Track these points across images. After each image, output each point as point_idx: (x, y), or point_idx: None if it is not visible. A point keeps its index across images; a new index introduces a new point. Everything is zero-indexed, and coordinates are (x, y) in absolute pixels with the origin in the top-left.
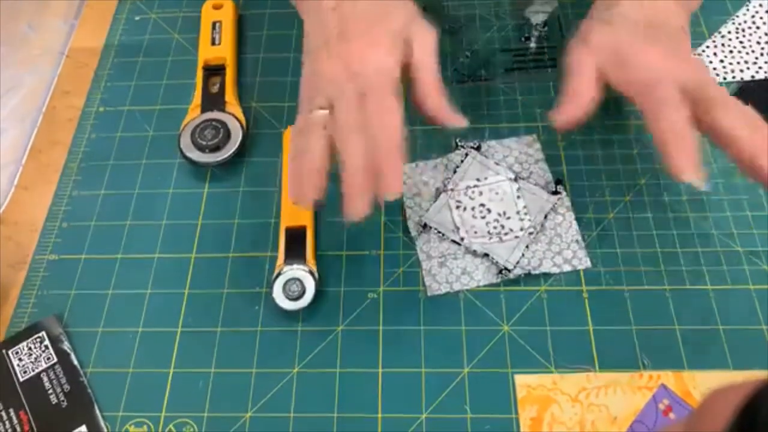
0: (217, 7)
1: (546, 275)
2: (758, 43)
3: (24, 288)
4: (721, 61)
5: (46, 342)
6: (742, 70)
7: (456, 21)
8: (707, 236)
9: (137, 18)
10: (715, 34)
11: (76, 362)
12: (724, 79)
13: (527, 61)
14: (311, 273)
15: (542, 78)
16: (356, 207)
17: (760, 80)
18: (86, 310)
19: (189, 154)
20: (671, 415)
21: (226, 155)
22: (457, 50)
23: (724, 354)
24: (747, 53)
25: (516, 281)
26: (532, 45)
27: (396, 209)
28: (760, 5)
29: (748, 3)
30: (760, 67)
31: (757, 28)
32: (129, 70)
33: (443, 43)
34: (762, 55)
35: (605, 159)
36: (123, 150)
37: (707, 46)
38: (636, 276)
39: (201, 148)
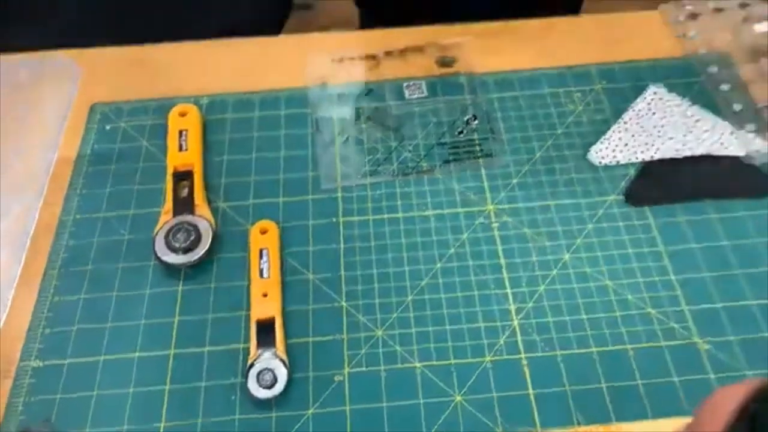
0: (182, 114)
1: (490, 345)
2: (654, 126)
3: (11, 396)
4: (626, 144)
5: None
6: (642, 151)
7: (398, 119)
8: (624, 301)
9: (108, 127)
10: (619, 120)
11: None
12: (629, 160)
13: (462, 152)
14: (282, 361)
15: (475, 167)
16: None
17: (658, 160)
18: (73, 412)
19: (164, 258)
20: None
21: (197, 256)
22: (401, 146)
23: (643, 406)
24: (647, 136)
25: (464, 353)
26: (473, 123)
27: (356, 294)
28: (654, 93)
29: (644, 92)
30: (657, 148)
31: (653, 114)
32: (103, 178)
33: (389, 140)
34: (659, 137)
35: (533, 237)
36: (100, 254)
37: (613, 132)
38: (567, 341)
39: (174, 250)
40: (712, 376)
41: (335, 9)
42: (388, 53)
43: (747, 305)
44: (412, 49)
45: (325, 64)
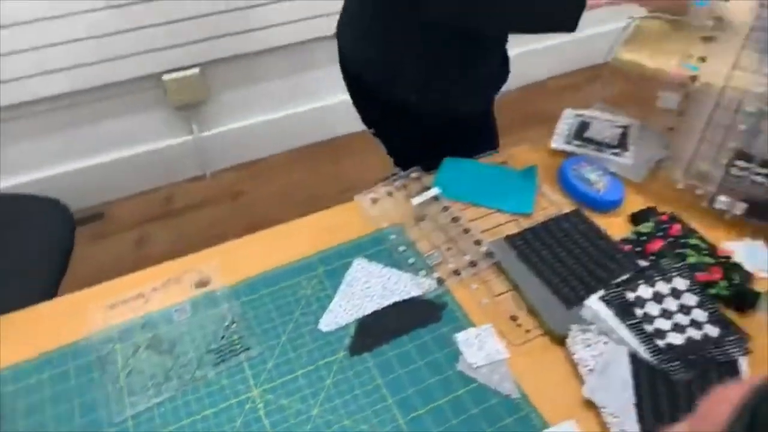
0: None
1: None
2: (362, 290)
3: None
4: (345, 309)
5: None
6: (356, 312)
7: (171, 342)
8: None
9: None
10: (337, 293)
11: None
12: (348, 321)
13: (226, 353)
14: None
15: (239, 362)
16: None
17: (368, 314)
18: None
19: None
20: None
21: None
22: (177, 363)
23: None
24: (358, 299)
25: None
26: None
27: None
28: (359, 265)
29: (352, 266)
30: (366, 306)
31: (359, 280)
32: None
33: (166, 361)
34: (366, 297)
35: (290, 405)
36: None
37: (334, 303)
38: None
39: None
40: None
41: (127, 214)
42: (154, 289)
43: (440, 404)
44: (173, 280)
45: (101, 311)
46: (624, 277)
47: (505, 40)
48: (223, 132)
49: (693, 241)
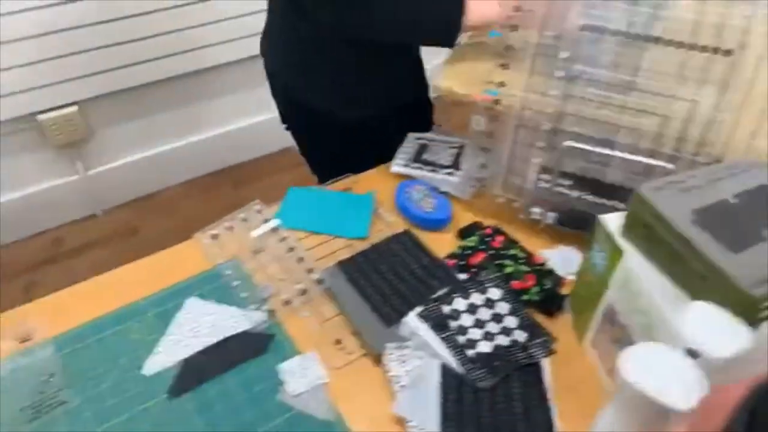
0: None
1: None
2: (190, 329)
3: None
4: (171, 351)
5: None
6: (183, 351)
7: None
8: None
9: None
10: (165, 334)
11: None
12: (173, 363)
13: (42, 411)
14: None
15: (55, 417)
16: None
17: (195, 353)
18: None
19: None
20: None
21: None
22: None
23: None
24: (185, 338)
25: None
26: None
27: None
28: (190, 304)
29: (183, 306)
30: (193, 346)
31: (189, 320)
32: None
33: None
34: (193, 336)
35: None
36: None
37: (159, 344)
38: None
39: None
40: None
41: (13, 261)
42: None
43: None
44: None
45: None
46: (442, 292)
47: (409, 48)
48: (112, 168)
49: (512, 252)
